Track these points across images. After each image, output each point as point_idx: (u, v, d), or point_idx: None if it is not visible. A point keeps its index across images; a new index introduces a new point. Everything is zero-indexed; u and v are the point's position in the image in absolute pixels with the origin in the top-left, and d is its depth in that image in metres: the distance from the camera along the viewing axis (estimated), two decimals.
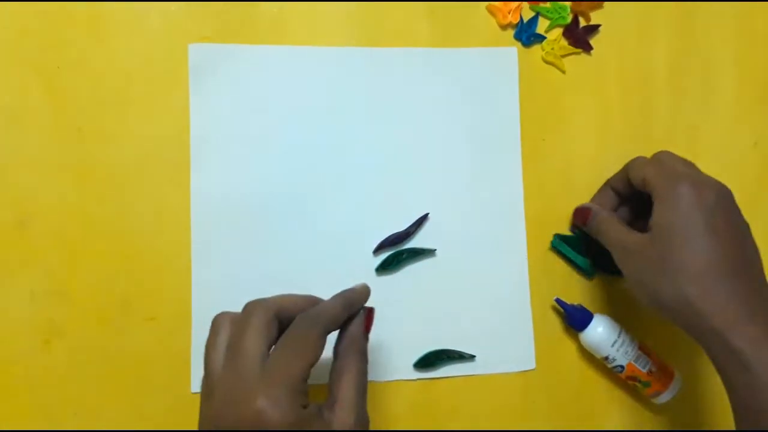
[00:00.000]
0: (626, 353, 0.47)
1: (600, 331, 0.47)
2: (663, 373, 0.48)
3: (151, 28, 0.47)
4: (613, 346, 0.47)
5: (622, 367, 0.47)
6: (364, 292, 0.39)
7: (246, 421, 0.31)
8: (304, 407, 0.32)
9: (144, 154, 0.46)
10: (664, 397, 0.48)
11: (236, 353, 0.33)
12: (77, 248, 0.45)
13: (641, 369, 0.47)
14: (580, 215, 0.48)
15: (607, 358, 0.47)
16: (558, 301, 0.49)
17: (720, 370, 0.38)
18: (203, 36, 0.48)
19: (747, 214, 0.53)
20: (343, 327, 0.37)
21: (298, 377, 0.32)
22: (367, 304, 0.39)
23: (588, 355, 0.49)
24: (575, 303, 0.49)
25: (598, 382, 0.50)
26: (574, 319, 0.48)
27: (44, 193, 0.45)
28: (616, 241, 0.44)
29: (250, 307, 0.35)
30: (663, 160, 0.44)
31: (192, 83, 0.47)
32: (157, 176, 0.46)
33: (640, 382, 0.47)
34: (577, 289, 0.50)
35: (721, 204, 0.41)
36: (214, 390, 0.33)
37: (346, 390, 0.34)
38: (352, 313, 0.38)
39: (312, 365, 0.33)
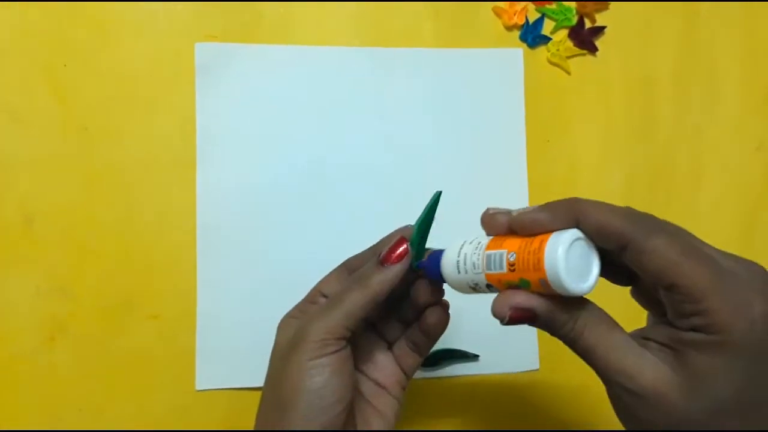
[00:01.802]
0: (474, 266, 0.31)
1: (445, 263, 0.33)
2: (530, 255, 0.28)
3: (158, 28, 0.47)
4: (459, 272, 0.32)
5: (489, 285, 0.31)
6: (399, 231, 0.35)
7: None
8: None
9: (150, 152, 0.47)
10: (558, 277, 0.27)
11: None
12: (82, 246, 0.46)
13: (498, 270, 0.30)
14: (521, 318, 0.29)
15: (476, 287, 0.32)
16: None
17: None
18: (210, 35, 0.48)
19: (749, 218, 0.53)
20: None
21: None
22: None
23: None
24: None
25: (601, 386, 0.50)
26: (430, 270, 0.35)
27: (50, 191, 0.45)
28: (617, 371, 0.28)
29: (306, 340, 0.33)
30: (702, 253, 0.27)
31: (198, 82, 0.47)
32: (163, 175, 0.47)
33: (515, 286, 0.30)
34: None
35: None
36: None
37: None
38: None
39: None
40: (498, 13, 0.51)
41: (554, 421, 0.49)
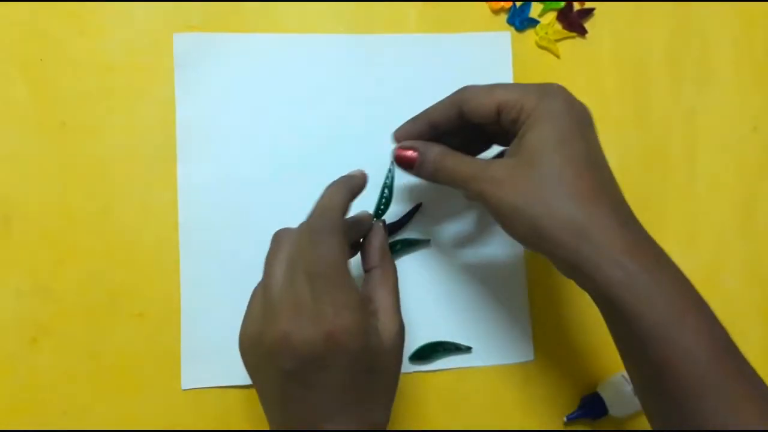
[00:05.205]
0: None
1: (613, 390, 0.47)
2: None
3: (135, 19, 0.46)
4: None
5: None
6: (363, 176, 0.39)
7: (319, 343, 0.31)
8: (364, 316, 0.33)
9: (129, 147, 0.46)
10: None
11: (301, 270, 0.33)
12: (63, 244, 0.44)
13: None
14: (405, 160, 0.41)
15: None
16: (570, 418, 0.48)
17: (611, 299, 0.32)
18: (189, 25, 0.47)
19: (746, 198, 0.52)
20: (365, 240, 0.40)
21: (348, 282, 0.33)
22: None
23: (587, 347, 0.49)
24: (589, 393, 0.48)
25: (598, 374, 0.49)
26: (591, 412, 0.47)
27: (28, 189, 0.44)
28: (473, 175, 0.37)
29: (315, 225, 0.35)
30: (511, 84, 0.44)
31: (177, 74, 0.46)
32: (143, 170, 0.45)
33: None
34: None
35: (592, 124, 0.37)
36: (276, 306, 0.33)
37: (388, 297, 0.36)
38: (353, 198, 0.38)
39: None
40: None
41: (550, 414, 0.48)
